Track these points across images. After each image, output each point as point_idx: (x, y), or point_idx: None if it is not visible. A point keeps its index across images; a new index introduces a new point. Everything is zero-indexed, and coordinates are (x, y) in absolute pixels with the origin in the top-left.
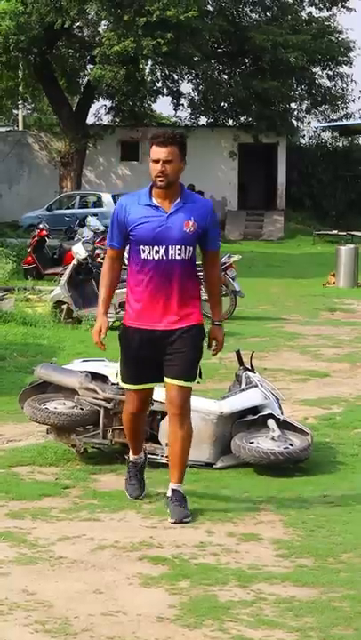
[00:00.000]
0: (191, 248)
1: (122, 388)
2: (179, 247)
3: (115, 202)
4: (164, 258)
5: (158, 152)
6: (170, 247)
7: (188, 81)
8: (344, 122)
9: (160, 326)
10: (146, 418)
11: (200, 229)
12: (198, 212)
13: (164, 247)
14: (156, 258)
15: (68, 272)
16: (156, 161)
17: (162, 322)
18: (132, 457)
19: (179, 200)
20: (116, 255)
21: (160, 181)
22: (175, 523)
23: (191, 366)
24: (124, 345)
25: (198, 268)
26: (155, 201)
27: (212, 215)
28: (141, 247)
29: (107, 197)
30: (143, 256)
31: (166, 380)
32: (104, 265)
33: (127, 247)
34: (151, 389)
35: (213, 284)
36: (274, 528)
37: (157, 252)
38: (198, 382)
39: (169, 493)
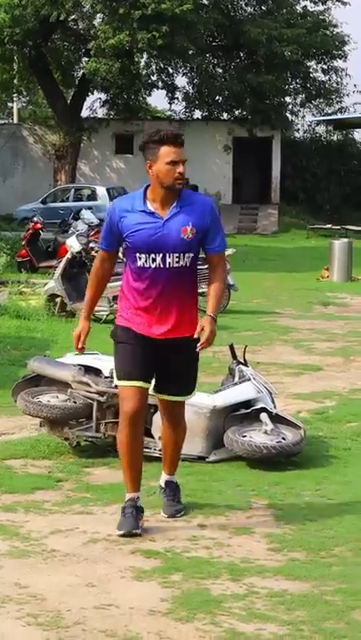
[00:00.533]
0: (191, 254)
1: (117, 386)
2: (177, 255)
3: (109, 195)
4: (162, 266)
5: (177, 153)
6: (167, 255)
7: (183, 74)
8: (338, 116)
9: (155, 334)
10: (143, 439)
11: (200, 233)
12: (197, 214)
13: (160, 255)
14: (153, 266)
15: (62, 265)
16: (174, 162)
17: (157, 330)
18: (127, 495)
19: (175, 204)
20: (108, 257)
21: (179, 184)
22: (168, 517)
23: (189, 382)
24: (118, 339)
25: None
26: (150, 206)
27: (213, 214)
28: (137, 254)
29: (101, 190)
30: (139, 263)
31: (160, 396)
32: (94, 265)
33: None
34: (146, 395)
35: (217, 287)
36: (266, 522)
37: (154, 260)
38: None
39: (162, 484)
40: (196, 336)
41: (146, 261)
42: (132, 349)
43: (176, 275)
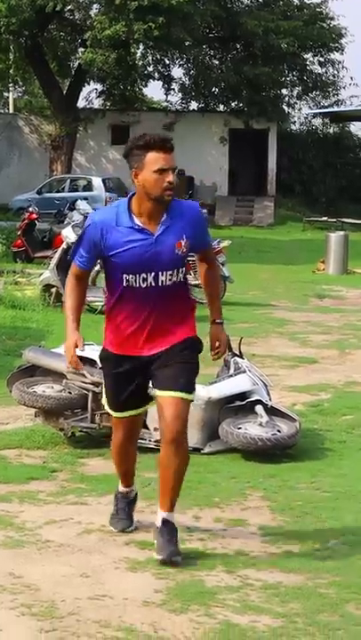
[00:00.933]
0: (183, 269)
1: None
2: (170, 272)
3: (105, 186)
4: (153, 285)
5: (166, 159)
6: (160, 273)
7: (180, 65)
8: (335, 108)
9: (145, 352)
10: (136, 447)
11: (192, 242)
12: (188, 224)
13: (153, 274)
14: (144, 286)
15: (57, 255)
16: (162, 170)
17: (149, 352)
18: (121, 487)
19: (165, 216)
20: (82, 275)
21: (168, 195)
22: (163, 561)
23: (191, 374)
24: (105, 367)
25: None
26: (137, 221)
27: (201, 217)
28: (124, 275)
29: (97, 181)
30: (126, 284)
31: (159, 393)
32: (67, 284)
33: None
34: (141, 415)
35: (211, 284)
36: (261, 514)
37: (145, 279)
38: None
39: (158, 523)
40: (215, 354)
41: (135, 282)
42: (122, 380)
43: (170, 292)
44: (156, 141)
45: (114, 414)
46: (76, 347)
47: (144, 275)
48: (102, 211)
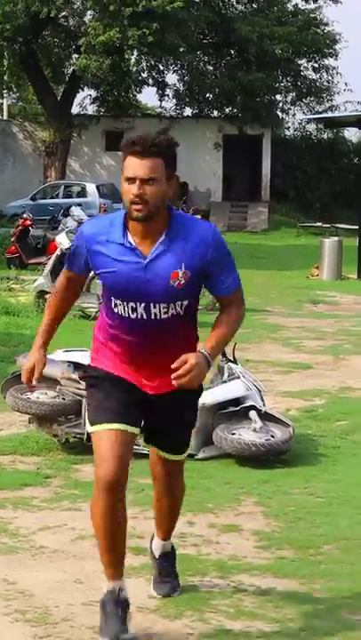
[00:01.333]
0: (185, 302)
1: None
2: (164, 305)
3: (99, 192)
4: (144, 317)
5: (135, 166)
6: (151, 305)
7: (174, 72)
8: (329, 114)
9: (145, 389)
10: (125, 509)
11: (196, 276)
12: (192, 250)
13: (143, 305)
14: (133, 316)
15: (51, 262)
16: (131, 179)
17: (146, 386)
18: (107, 584)
19: (163, 237)
20: (76, 278)
21: (136, 211)
22: (162, 596)
23: (189, 434)
24: (91, 381)
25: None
26: (131, 239)
27: (216, 247)
28: (112, 299)
29: (91, 187)
30: (116, 310)
31: (152, 449)
32: (57, 283)
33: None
34: (132, 440)
35: (225, 326)
36: (255, 519)
37: (134, 309)
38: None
39: (155, 552)
40: (172, 377)
41: (124, 310)
42: (111, 386)
43: (167, 326)
44: (130, 143)
45: (96, 428)
46: (32, 371)
47: (133, 304)
48: (94, 222)
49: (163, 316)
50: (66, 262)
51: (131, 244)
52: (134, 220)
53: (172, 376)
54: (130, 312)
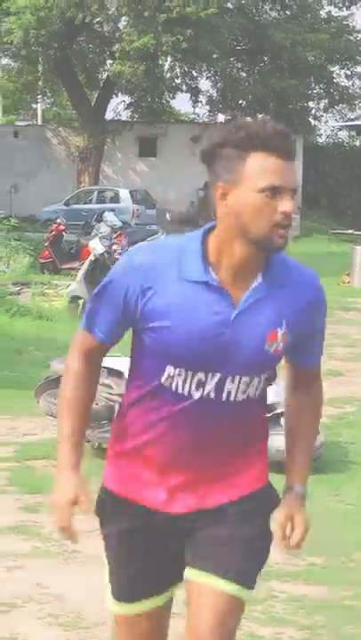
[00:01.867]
0: (267, 376)
1: None
2: (247, 379)
3: (132, 197)
4: (212, 397)
5: (282, 171)
6: (229, 380)
7: (207, 78)
8: None
9: (179, 507)
10: None
11: (294, 337)
12: (295, 303)
13: (217, 378)
14: (196, 396)
15: (84, 267)
16: (276, 190)
17: (180, 506)
18: None
19: (260, 279)
20: (99, 351)
21: (280, 237)
22: None
23: (257, 560)
24: (105, 530)
25: None
26: (214, 274)
27: (322, 304)
28: (168, 367)
29: (124, 193)
30: (166, 382)
31: (192, 574)
32: (69, 371)
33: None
34: (168, 608)
35: (304, 430)
36: None
37: (201, 384)
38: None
39: None
40: (283, 545)
41: (183, 384)
42: (130, 547)
43: (237, 413)
44: (268, 135)
45: (119, 608)
46: (75, 504)
47: (201, 375)
48: (150, 248)
49: (238, 398)
50: (85, 319)
51: (216, 283)
52: (267, 251)
53: (286, 545)
54: (192, 388)
